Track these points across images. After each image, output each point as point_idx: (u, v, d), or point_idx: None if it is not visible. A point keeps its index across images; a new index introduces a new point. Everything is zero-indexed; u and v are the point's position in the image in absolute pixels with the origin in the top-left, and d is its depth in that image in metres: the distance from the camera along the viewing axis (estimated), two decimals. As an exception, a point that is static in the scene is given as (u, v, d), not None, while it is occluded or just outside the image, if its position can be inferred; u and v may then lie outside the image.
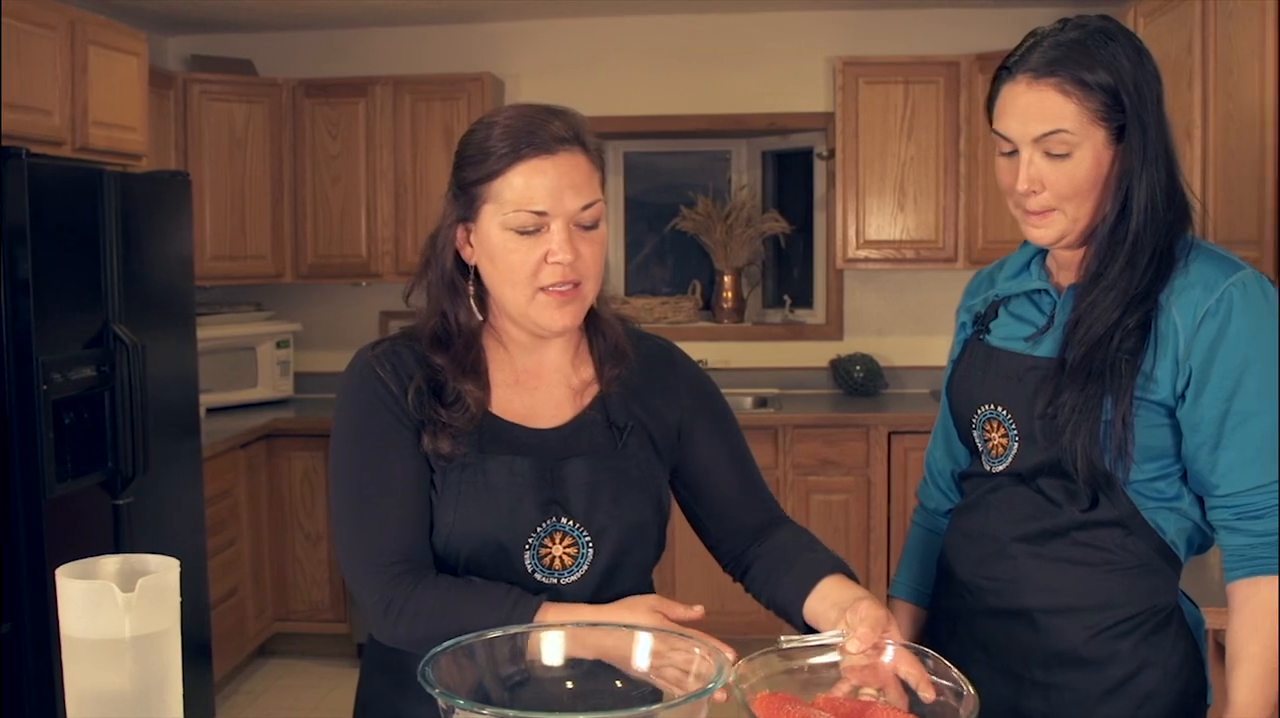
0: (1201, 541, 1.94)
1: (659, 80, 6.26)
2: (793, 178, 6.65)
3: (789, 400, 6.08)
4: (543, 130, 1.77)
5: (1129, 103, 1.81)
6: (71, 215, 3.98)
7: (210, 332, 5.65)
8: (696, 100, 6.26)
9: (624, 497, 1.85)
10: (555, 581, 1.82)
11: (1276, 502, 1.81)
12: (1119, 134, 1.82)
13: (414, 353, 1.88)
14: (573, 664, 1.59)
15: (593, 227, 1.80)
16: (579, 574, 1.83)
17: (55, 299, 3.84)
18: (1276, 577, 1.81)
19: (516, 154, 1.76)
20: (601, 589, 1.84)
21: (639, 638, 1.60)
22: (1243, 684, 1.79)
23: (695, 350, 6.49)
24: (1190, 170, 3.77)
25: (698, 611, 1.74)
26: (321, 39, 6.36)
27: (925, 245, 5.92)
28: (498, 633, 1.56)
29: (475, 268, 1.86)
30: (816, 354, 6.37)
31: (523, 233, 1.76)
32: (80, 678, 1.41)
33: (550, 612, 1.73)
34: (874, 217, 5.92)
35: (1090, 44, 1.82)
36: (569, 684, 1.59)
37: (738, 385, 6.30)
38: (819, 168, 6.41)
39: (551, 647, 1.60)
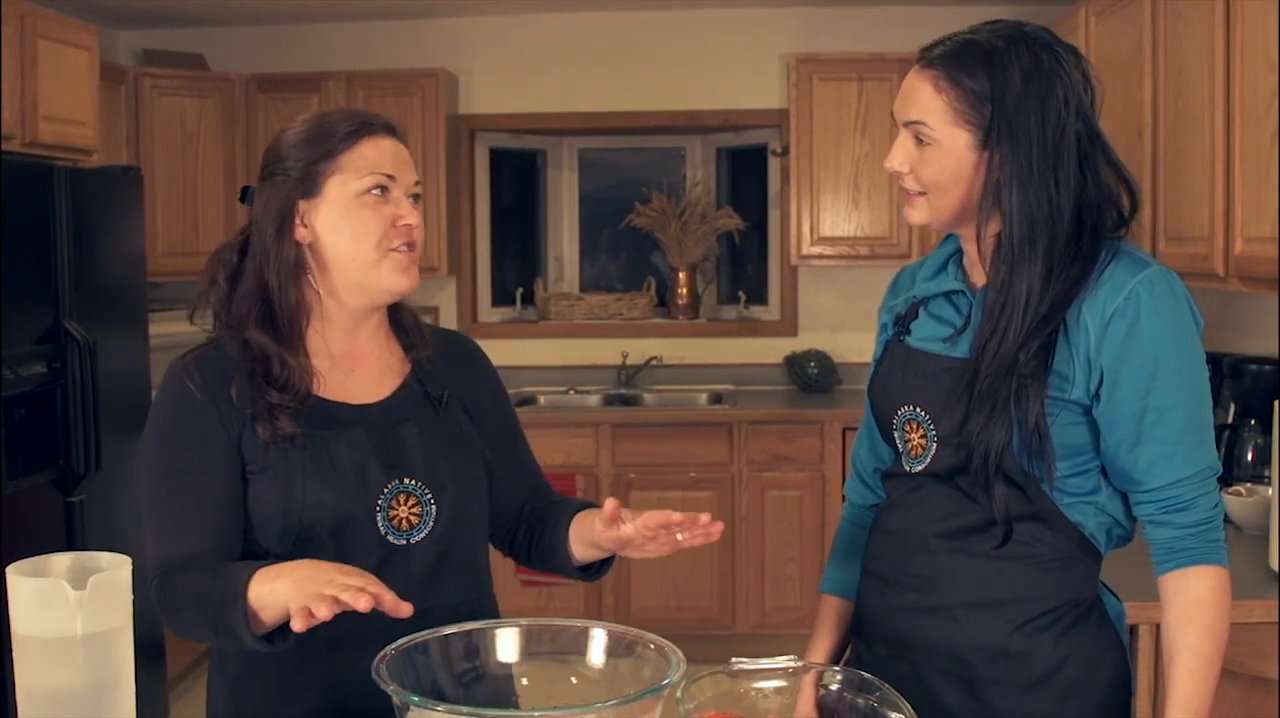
0: (1122, 533, 1.95)
1: (614, 77, 6.26)
2: (747, 174, 6.67)
3: (743, 397, 6.10)
4: (375, 119, 1.96)
5: (996, 115, 1.82)
6: (22, 211, 3.94)
7: (162, 328, 5.59)
8: (651, 97, 6.27)
9: (456, 455, 1.97)
10: (405, 541, 1.90)
11: (1200, 493, 1.84)
12: (988, 141, 1.84)
13: (228, 356, 1.96)
14: (526, 660, 1.60)
15: (418, 202, 1.97)
16: (425, 533, 1.91)
17: (5, 295, 3.80)
18: (1205, 567, 1.83)
19: (362, 131, 1.92)
20: (448, 547, 1.93)
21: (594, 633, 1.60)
22: (1182, 675, 1.81)
23: (650, 347, 6.56)
24: (1140, 168, 3.80)
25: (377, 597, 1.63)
26: (274, 34, 6.32)
27: (879, 242, 5.94)
28: (452, 630, 1.56)
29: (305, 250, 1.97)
30: (771, 351, 6.39)
31: (374, 193, 1.90)
32: (31, 676, 1.40)
33: (256, 577, 1.71)
34: (828, 213, 5.93)
35: (988, 49, 1.84)
36: (524, 681, 1.59)
37: (692, 382, 6.32)
38: (773, 164, 6.43)
39: (506, 643, 1.61)
